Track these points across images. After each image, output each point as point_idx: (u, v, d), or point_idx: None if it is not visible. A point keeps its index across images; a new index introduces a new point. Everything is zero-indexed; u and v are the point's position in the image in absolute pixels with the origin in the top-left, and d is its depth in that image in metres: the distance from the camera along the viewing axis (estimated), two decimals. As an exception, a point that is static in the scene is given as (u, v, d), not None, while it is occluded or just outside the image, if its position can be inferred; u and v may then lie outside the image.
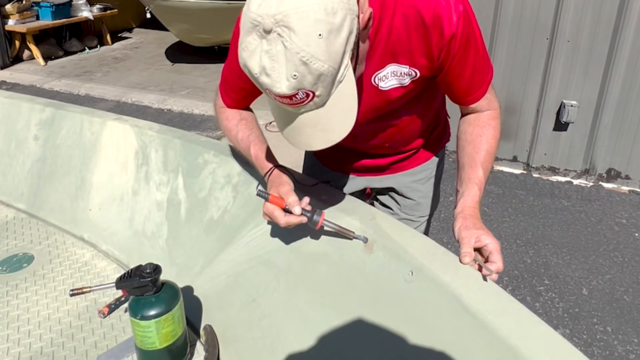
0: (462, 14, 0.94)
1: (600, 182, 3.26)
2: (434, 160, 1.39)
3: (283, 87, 0.75)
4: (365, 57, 0.95)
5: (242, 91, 1.19)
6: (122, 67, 5.79)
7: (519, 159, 3.40)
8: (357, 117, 0.95)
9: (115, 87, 4.97)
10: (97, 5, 6.65)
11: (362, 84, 1.04)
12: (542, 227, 2.74)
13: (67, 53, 6.33)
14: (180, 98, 4.65)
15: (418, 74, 1.01)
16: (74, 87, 4.93)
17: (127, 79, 5.33)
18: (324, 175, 1.40)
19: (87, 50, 6.45)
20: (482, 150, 1.07)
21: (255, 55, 0.75)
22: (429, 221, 1.48)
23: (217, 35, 5.84)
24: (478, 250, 0.95)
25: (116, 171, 1.64)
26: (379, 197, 1.48)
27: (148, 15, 6.27)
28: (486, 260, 0.94)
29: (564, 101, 3.20)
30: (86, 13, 6.30)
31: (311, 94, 0.77)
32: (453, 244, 2.47)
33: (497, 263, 0.91)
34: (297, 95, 0.76)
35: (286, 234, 1.21)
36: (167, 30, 5.92)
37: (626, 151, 3.20)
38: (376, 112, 1.12)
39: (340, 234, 1.05)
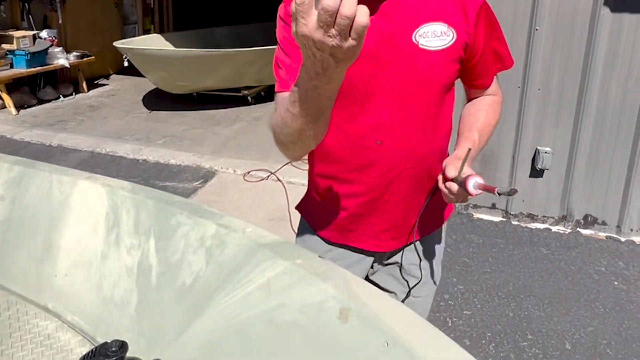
0: None
1: (578, 229, 3.28)
2: (443, 229, 1.36)
3: None
4: (401, 8, 1.06)
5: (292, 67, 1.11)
6: (97, 116, 5.73)
7: (497, 207, 3.41)
8: (394, 77, 1.07)
9: (89, 136, 4.89)
10: (74, 53, 6.62)
11: (402, 41, 1.07)
12: (523, 277, 2.72)
13: (41, 101, 6.23)
14: (157, 147, 4.59)
15: (454, 36, 1.07)
16: (46, 138, 4.83)
17: (102, 128, 5.26)
18: (320, 252, 1.30)
19: (62, 98, 6.39)
20: (480, 121, 1.18)
21: None
22: (431, 297, 1.41)
23: (196, 83, 5.88)
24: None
25: (85, 234, 1.58)
26: (375, 277, 1.38)
27: (126, 64, 6.29)
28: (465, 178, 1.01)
29: (538, 148, 3.25)
30: (62, 61, 6.26)
31: None
32: (437, 308, 2.42)
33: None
34: None
35: (260, 302, 1.16)
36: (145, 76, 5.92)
37: (601, 197, 3.24)
38: (412, 73, 1.09)
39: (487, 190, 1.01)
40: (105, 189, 1.59)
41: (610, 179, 3.20)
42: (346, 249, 1.31)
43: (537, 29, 3.09)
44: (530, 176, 3.33)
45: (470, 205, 3.44)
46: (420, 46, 1.07)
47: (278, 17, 1.11)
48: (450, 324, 2.33)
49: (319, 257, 1.19)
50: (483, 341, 2.22)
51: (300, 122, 0.89)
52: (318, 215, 1.32)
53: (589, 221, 3.27)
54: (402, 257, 1.31)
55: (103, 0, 7.54)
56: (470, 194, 0.99)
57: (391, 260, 1.33)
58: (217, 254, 1.32)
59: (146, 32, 8.16)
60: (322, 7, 0.65)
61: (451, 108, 1.22)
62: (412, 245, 1.28)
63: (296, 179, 3.82)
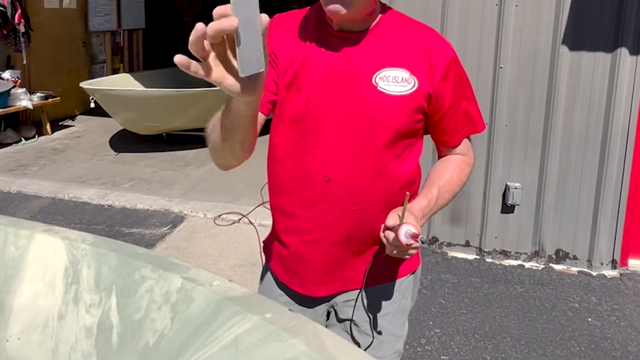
0: (454, 50, 1.13)
1: (551, 264, 3.29)
2: (407, 282, 1.29)
3: None
4: (367, 49, 1.08)
5: None
6: (61, 159, 5.54)
7: (471, 244, 3.40)
8: (349, 116, 1.07)
9: (51, 182, 4.70)
10: (38, 94, 6.46)
11: (361, 82, 1.07)
12: (499, 317, 2.68)
13: (1, 145, 5.99)
14: (123, 192, 4.45)
15: (416, 85, 1.07)
16: (5, 184, 4.61)
17: (66, 172, 5.08)
18: (278, 300, 1.27)
19: (24, 141, 6.19)
20: (443, 179, 1.18)
21: None
22: (395, 358, 1.33)
23: (166, 123, 5.79)
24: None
25: (42, 292, 1.47)
26: (333, 331, 1.35)
27: (92, 105, 6.16)
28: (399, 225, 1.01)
29: (508, 183, 3.28)
30: (25, 102, 6.09)
31: None
32: (414, 354, 2.35)
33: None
34: None
35: (230, 362, 1.09)
36: (112, 117, 5.80)
37: (570, 231, 3.27)
38: (367, 114, 1.08)
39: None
40: (65, 242, 1.50)
41: (578, 213, 3.24)
42: (292, 296, 1.28)
43: (501, 67, 3.17)
44: (501, 212, 3.35)
45: (445, 243, 3.42)
46: (379, 89, 1.07)
47: None
48: (428, 370, 2.27)
49: (290, 310, 1.13)
50: (462, 387, 2.17)
51: (217, 132, 0.96)
52: (272, 250, 1.32)
53: (561, 256, 3.29)
54: (364, 311, 1.26)
55: (70, 39, 7.46)
56: (401, 242, 0.96)
57: (346, 317, 1.28)
58: (183, 310, 1.25)
59: (115, 71, 8.09)
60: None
61: (414, 159, 1.19)
62: (367, 300, 1.25)
63: (269, 222, 3.71)
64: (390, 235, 1.01)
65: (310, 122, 1.11)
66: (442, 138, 1.20)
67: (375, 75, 1.07)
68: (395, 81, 1.07)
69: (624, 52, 2.99)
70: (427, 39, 1.11)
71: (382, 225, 1.05)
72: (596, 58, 3.05)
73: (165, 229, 3.72)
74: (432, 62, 1.09)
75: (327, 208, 1.15)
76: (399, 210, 1.04)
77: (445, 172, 1.19)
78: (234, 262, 3.21)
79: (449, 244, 3.42)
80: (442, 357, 2.35)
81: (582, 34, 3.03)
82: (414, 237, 0.96)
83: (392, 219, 1.02)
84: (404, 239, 0.97)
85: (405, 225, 0.97)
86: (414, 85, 1.08)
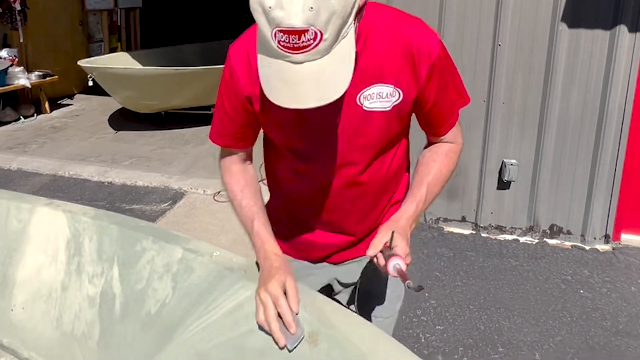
0: (440, 42, 1.07)
1: (545, 239, 3.34)
2: None
3: (297, 19, 0.77)
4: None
5: (234, 127, 1.17)
6: (60, 137, 5.56)
7: (467, 219, 3.45)
8: (337, 140, 1.07)
9: (51, 159, 4.74)
10: (36, 72, 6.46)
11: (346, 103, 1.06)
12: (494, 289, 2.74)
13: (0, 123, 6.02)
14: (123, 169, 4.49)
15: (401, 96, 1.06)
16: (5, 162, 4.64)
17: (65, 149, 5.12)
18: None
19: (23, 119, 6.21)
20: (431, 173, 1.17)
21: None
22: (393, 319, 1.42)
23: (164, 102, 5.80)
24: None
25: (45, 264, 1.52)
26: (338, 297, 1.40)
27: (90, 83, 6.14)
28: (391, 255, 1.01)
29: (505, 160, 3.31)
30: (23, 81, 6.10)
31: (319, 35, 0.79)
32: (410, 324, 2.40)
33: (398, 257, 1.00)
34: (306, 34, 0.79)
35: (229, 328, 1.14)
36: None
37: (565, 206, 3.31)
38: (356, 135, 1.10)
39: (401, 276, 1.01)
40: (67, 215, 1.54)
41: (573, 189, 3.28)
42: (306, 259, 1.34)
43: (499, 45, 3.16)
44: (497, 188, 3.38)
45: (441, 219, 3.47)
46: (365, 108, 1.06)
47: (226, 64, 1.12)
48: (423, 340, 2.33)
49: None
50: (455, 356, 2.23)
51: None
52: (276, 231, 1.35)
53: (555, 231, 3.34)
54: (369, 276, 1.32)
55: (67, 18, 7.41)
56: (388, 272, 0.99)
57: (350, 279, 1.35)
58: (184, 279, 1.29)
59: (112, 50, 8.04)
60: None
61: (404, 148, 1.24)
62: (371, 265, 1.30)
63: (267, 198, 3.77)
64: (381, 260, 1.03)
65: (304, 149, 1.15)
66: (429, 128, 1.21)
67: (359, 95, 1.05)
68: (380, 97, 1.06)
69: (622, 30, 2.99)
70: (410, 39, 1.04)
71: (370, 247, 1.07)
72: (594, 36, 3.05)
73: (165, 205, 3.76)
74: (416, 64, 1.05)
75: (329, 210, 1.22)
76: (387, 229, 1.06)
77: (433, 165, 1.18)
78: (233, 238, 3.25)
79: (445, 220, 3.47)
80: (437, 327, 2.41)
81: (581, 12, 3.02)
82: (399, 274, 0.99)
83: (378, 246, 1.05)
84: (392, 271, 0.99)
85: (394, 259, 1.00)
86: (399, 97, 1.06)
